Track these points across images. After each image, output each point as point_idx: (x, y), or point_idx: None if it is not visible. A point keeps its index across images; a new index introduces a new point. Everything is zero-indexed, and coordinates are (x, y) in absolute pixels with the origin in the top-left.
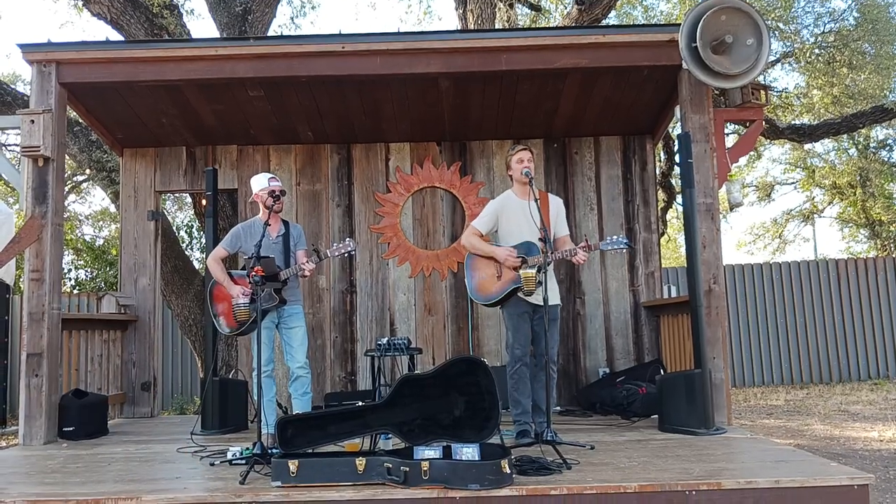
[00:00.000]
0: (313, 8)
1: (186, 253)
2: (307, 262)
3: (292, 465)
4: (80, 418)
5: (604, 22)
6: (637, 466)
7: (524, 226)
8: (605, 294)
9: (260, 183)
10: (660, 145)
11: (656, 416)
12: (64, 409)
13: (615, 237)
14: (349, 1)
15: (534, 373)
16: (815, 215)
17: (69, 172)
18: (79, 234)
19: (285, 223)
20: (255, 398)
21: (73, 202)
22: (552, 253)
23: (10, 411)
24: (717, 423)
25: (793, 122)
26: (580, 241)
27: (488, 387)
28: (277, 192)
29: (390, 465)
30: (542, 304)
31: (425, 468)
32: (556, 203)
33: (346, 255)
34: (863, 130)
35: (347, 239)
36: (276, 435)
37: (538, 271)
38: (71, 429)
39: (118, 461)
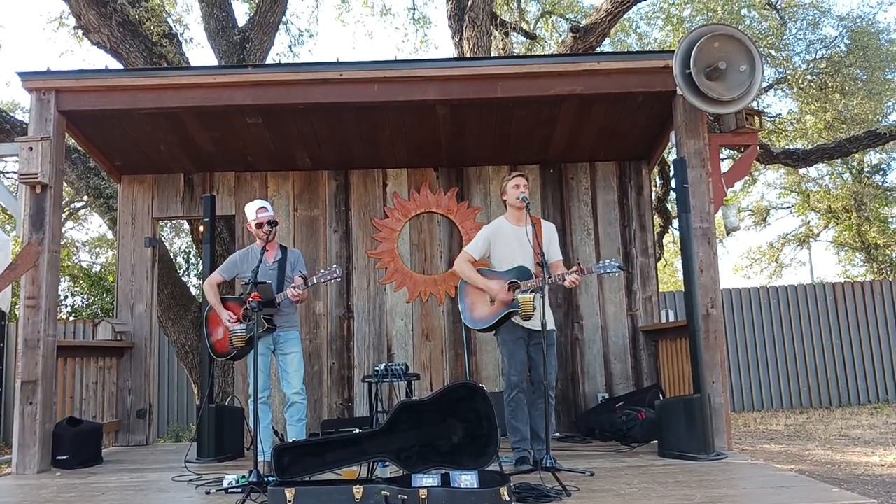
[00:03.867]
0: (311, 36)
1: (183, 279)
2: (293, 287)
3: (289, 493)
4: (74, 447)
5: (598, 49)
6: (637, 493)
7: (517, 252)
8: (603, 319)
9: (250, 214)
10: (655, 170)
11: (656, 441)
12: (58, 437)
13: (608, 261)
14: (346, 29)
15: (532, 399)
16: (811, 239)
17: (67, 199)
18: (75, 261)
19: (283, 249)
20: (252, 425)
21: (71, 229)
22: (549, 277)
23: (3, 440)
24: (718, 448)
25: (787, 147)
26: (573, 266)
27: (487, 413)
28: (265, 224)
29: (388, 494)
30: (537, 329)
31: (423, 496)
32: (548, 228)
33: (331, 281)
34: (856, 155)
35: (334, 266)
36: (273, 462)
37: (535, 296)
38: (65, 457)
39: (112, 490)
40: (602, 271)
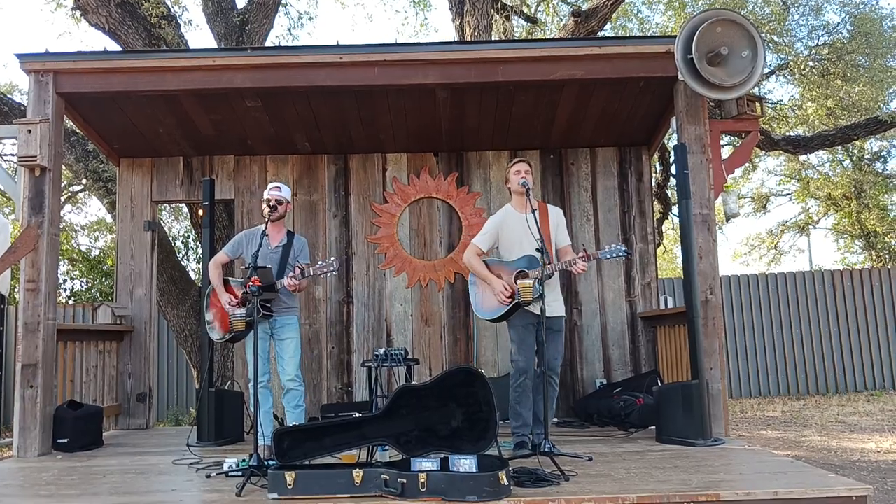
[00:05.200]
0: (311, 19)
1: (183, 263)
2: (290, 276)
3: (289, 476)
4: (75, 430)
5: (600, 34)
6: (635, 478)
7: (524, 239)
8: (601, 304)
9: (265, 192)
10: (656, 156)
11: (654, 427)
12: (59, 420)
13: (613, 246)
14: (346, 12)
15: (534, 384)
16: (811, 226)
17: (65, 182)
18: (74, 245)
19: (290, 234)
20: (252, 409)
21: (70, 212)
22: (551, 264)
23: (3, 423)
24: (715, 434)
25: (787, 134)
26: (578, 252)
27: (486, 398)
28: (273, 202)
29: (387, 477)
30: (548, 314)
31: (422, 480)
32: (555, 213)
33: (328, 274)
34: (857, 142)
35: (332, 258)
36: (273, 446)
37: (535, 282)
38: (65, 441)
39: (113, 473)
40: (608, 256)
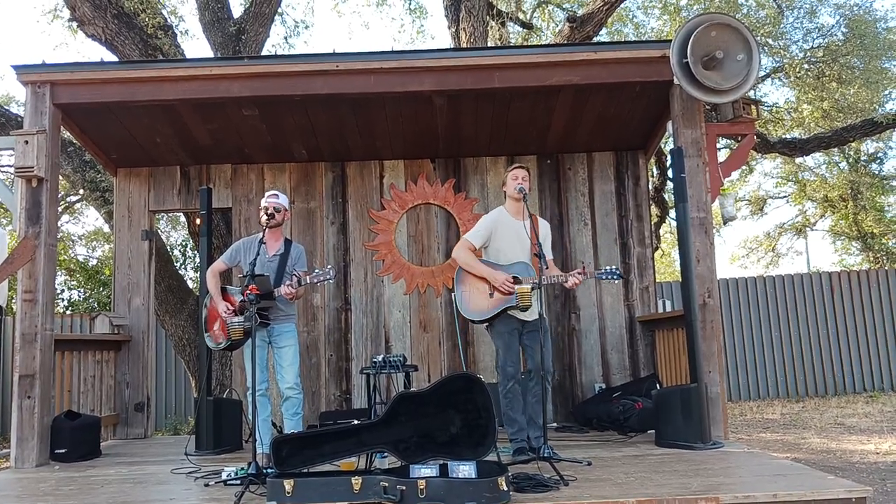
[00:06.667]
0: (307, 27)
1: (180, 272)
2: (287, 284)
3: (288, 484)
4: (73, 440)
5: (595, 39)
6: (635, 482)
7: (516, 245)
8: (599, 309)
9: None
10: (652, 160)
11: (653, 431)
12: (56, 430)
13: (609, 268)
14: (342, 20)
15: (529, 386)
16: (808, 228)
17: (62, 193)
18: (72, 255)
19: (287, 242)
20: (250, 418)
21: (67, 222)
22: (547, 269)
23: (1, 434)
24: (714, 437)
25: (784, 137)
26: (574, 263)
27: (484, 403)
28: (271, 210)
29: (386, 484)
30: (528, 318)
31: (422, 487)
32: (544, 226)
33: (325, 282)
34: (853, 144)
35: (328, 267)
36: (271, 454)
37: (533, 288)
38: (63, 451)
39: (111, 483)
40: (603, 277)
